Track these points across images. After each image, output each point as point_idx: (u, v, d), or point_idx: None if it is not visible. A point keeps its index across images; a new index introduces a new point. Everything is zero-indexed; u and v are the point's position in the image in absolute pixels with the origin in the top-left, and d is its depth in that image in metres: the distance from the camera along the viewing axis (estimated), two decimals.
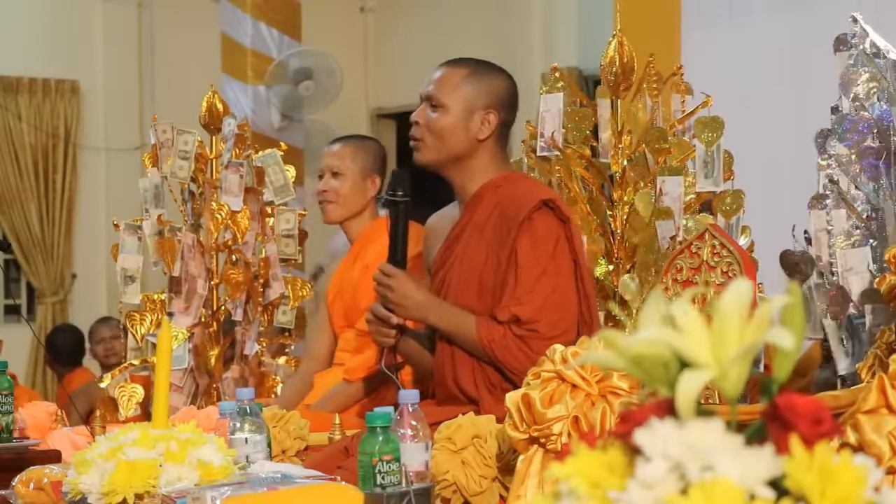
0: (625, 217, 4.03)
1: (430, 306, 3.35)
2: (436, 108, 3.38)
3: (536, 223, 3.26)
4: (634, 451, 1.14)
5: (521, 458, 2.80)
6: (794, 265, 3.87)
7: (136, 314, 4.75)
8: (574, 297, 3.28)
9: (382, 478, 2.36)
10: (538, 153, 4.08)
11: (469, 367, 3.32)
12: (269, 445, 2.79)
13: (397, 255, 3.40)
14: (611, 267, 4.05)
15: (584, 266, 3.34)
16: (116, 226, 4.87)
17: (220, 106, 4.82)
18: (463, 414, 3.12)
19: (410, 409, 2.50)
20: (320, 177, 4.50)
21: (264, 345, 4.83)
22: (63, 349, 7.88)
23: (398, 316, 3.42)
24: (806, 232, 3.96)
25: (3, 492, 2.86)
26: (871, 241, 3.61)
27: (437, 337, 3.43)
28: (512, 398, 2.80)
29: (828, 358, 3.70)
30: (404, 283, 3.35)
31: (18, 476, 2.85)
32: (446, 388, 3.38)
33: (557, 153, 4.05)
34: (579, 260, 3.31)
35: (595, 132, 4.12)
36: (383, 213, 4.64)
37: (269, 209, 4.87)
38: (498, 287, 3.28)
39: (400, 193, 3.38)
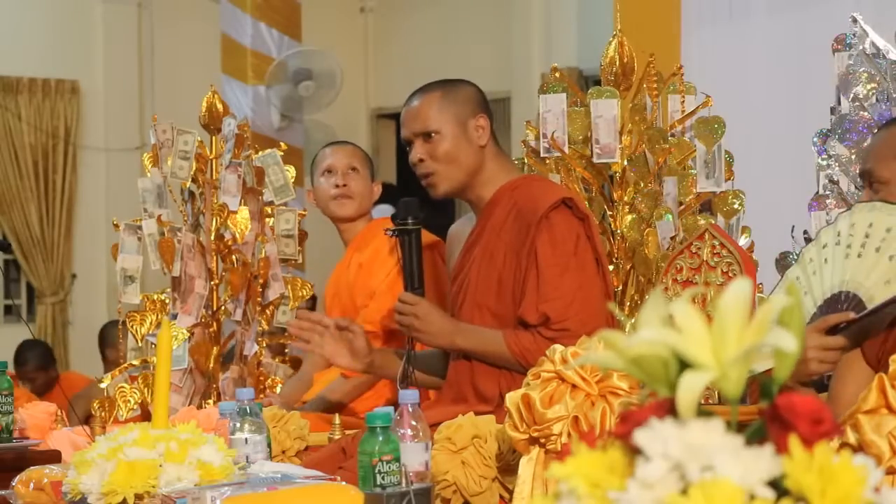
0: (624, 219, 4.03)
1: (456, 331, 3.34)
2: (430, 137, 3.37)
3: (555, 221, 3.27)
4: (634, 451, 1.14)
5: (524, 459, 2.80)
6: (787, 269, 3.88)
7: (136, 314, 4.75)
8: (600, 293, 3.29)
9: (382, 478, 2.36)
10: (541, 154, 4.08)
11: (493, 373, 3.32)
12: (269, 445, 2.79)
13: (414, 283, 3.38)
14: (611, 267, 4.05)
15: (604, 263, 3.35)
16: (116, 226, 4.87)
17: (220, 106, 4.82)
18: (476, 413, 3.12)
19: (410, 409, 2.50)
20: (329, 171, 4.47)
21: (264, 345, 4.83)
22: (34, 364, 7.81)
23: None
24: (806, 232, 3.96)
25: (3, 492, 2.86)
26: None
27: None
28: (512, 398, 2.81)
29: None
30: (430, 311, 3.34)
31: (18, 476, 2.85)
32: (459, 388, 3.37)
33: (559, 154, 4.05)
34: (600, 257, 3.32)
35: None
36: (376, 214, 4.65)
37: (269, 209, 4.87)
38: (517, 287, 3.29)
39: (411, 221, 3.38)
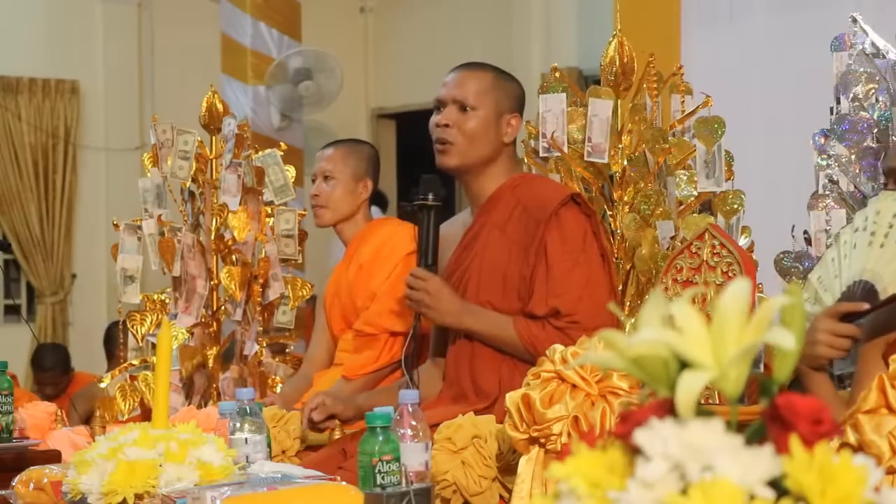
0: (623, 218, 4.02)
1: (465, 311, 3.34)
2: (466, 110, 3.39)
3: (564, 217, 3.29)
4: (634, 451, 1.14)
5: (524, 459, 2.80)
6: (787, 271, 3.88)
7: (136, 314, 4.76)
8: (607, 287, 3.32)
9: (382, 478, 2.36)
10: (541, 154, 4.08)
11: (494, 366, 3.32)
12: (269, 445, 2.79)
13: (428, 259, 3.38)
14: None
15: (609, 258, 3.37)
16: (116, 226, 4.88)
17: (219, 106, 4.82)
18: (475, 412, 3.12)
19: (410, 409, 2.50)
20: (313, 181, 4.51)
21: (264, 345, 4.83)
22: (59, 369, 7.79)
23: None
24: (806, 232, 3.96)
25: (3, 492, 2.86)
26: None
27: (452, 335, 3.43)
28: (512, 398, 2.81)
29: None
30: (441, 288, 3.34)
31: (18, 476, 2.85)
32: (459, 386, 3.37)
33: (559, 154, 4.05)
34: (606, 253, 3.34)
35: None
36: (377, 215, 4.65)
37: (269, 209, 4.87)
38: (524, 283, 3.30)
39: (431, 197, 3.37)
